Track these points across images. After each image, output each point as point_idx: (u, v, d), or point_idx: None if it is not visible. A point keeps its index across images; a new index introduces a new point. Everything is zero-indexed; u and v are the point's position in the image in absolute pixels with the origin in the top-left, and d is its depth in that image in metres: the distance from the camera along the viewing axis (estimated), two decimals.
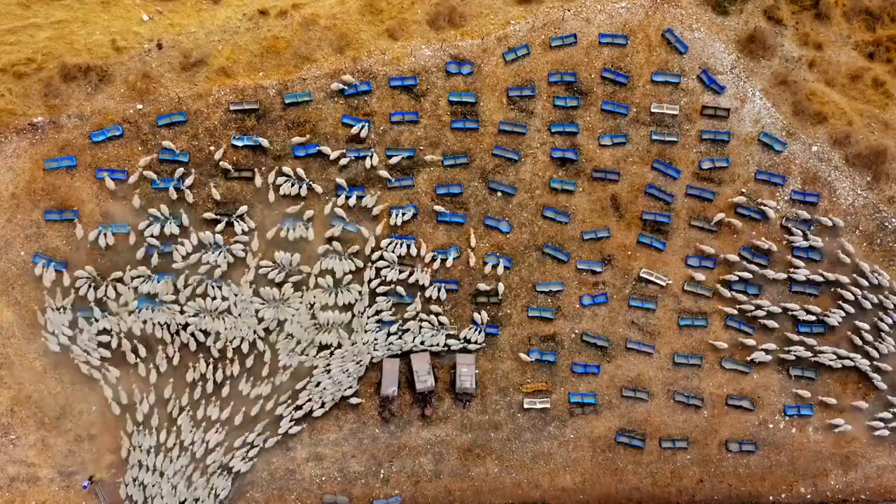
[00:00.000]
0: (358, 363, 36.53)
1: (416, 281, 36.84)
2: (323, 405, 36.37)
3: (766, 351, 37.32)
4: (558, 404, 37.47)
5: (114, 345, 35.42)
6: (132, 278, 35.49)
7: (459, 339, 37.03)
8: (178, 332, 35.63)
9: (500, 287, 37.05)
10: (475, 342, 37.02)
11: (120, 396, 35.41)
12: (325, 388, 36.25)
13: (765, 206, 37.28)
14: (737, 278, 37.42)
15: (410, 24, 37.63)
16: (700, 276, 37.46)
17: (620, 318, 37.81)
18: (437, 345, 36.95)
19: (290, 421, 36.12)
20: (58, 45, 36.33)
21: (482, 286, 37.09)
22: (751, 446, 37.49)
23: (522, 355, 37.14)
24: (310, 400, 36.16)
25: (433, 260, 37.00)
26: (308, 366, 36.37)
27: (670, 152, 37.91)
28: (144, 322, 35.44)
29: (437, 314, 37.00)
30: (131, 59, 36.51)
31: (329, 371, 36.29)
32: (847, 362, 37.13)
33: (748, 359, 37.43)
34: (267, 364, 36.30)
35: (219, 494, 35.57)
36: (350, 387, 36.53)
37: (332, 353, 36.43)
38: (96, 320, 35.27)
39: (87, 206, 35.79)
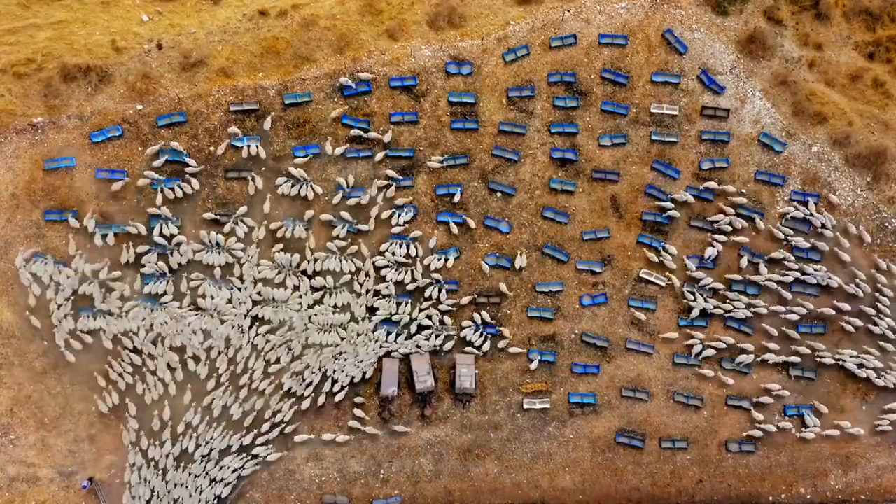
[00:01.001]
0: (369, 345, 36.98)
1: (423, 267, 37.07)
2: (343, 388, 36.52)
3: (709, 346, 37.49)
4: (558, 404, 37.47)
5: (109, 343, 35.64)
6: (142, 265, 35.70)
7: (480, 351, 37.15)
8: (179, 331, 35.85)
9: (503, 286, 37.13)
10: (504, 344, 37.30)
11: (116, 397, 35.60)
12: (346, 361, 36.43)
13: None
14: (739, 278, 37.54)
15: (410, 25, 37.64)
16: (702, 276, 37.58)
17: (620, 319, 37.82)
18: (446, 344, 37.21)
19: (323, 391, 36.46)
20: (58, 46, 36.37)
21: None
22: (750, 446, 37.48)
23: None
24: (334, 374, 36.43)
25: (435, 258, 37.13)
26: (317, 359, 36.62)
27: (670, 153, 37.91)
28: (143, 321, 35.54)
29: (442, 312, 37.12)
30: (131, 60, 36.54)
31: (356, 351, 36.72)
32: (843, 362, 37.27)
33: (694, 353, 37.65)
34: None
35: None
36: (365, 372, 36.64)
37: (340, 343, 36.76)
38: (94, 319, 35.36)
39: (87, 206, 35.82)
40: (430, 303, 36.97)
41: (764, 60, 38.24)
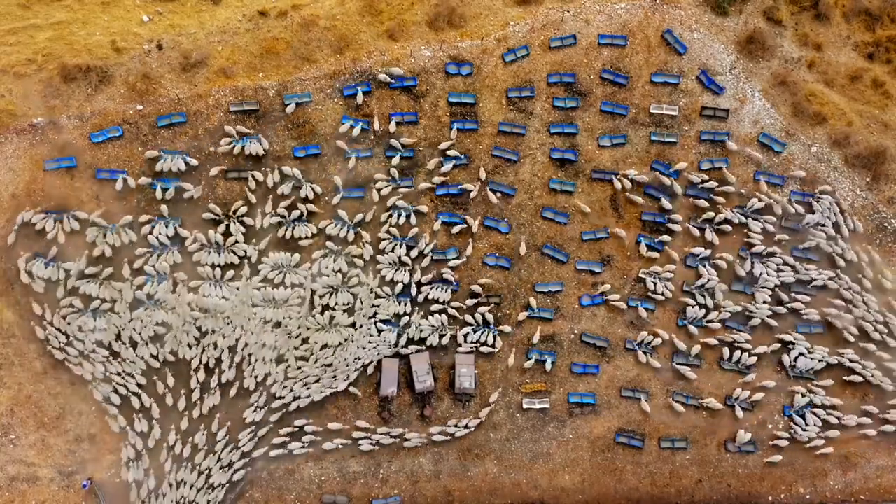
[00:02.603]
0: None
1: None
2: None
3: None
4: (557, 404, 37.50)
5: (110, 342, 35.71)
6: (144, 266, 35.80)
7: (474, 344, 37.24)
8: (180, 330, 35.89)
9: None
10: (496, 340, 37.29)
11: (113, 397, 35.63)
12: (371, 344, 36.65)
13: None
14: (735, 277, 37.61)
15: (410, 25, 37.68)
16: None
17: (620, 319, 37.84)
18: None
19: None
20: (58, 46, 36.42)
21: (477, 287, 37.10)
22: (750, 446, 37.50)
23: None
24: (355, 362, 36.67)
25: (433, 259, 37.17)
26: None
27: (669, 153, 37.94)
28: (141, 321, 35.56)
29: (442, 312, 37.19)
30: (131, 60, 36.60)
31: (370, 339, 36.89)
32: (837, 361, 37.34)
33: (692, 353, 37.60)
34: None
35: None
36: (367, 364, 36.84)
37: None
38: (94, 319, 35.38)
39: (87, 206, 35.87)
40: (434, 302, 37.11)
41: (763, 61, 38.27)
